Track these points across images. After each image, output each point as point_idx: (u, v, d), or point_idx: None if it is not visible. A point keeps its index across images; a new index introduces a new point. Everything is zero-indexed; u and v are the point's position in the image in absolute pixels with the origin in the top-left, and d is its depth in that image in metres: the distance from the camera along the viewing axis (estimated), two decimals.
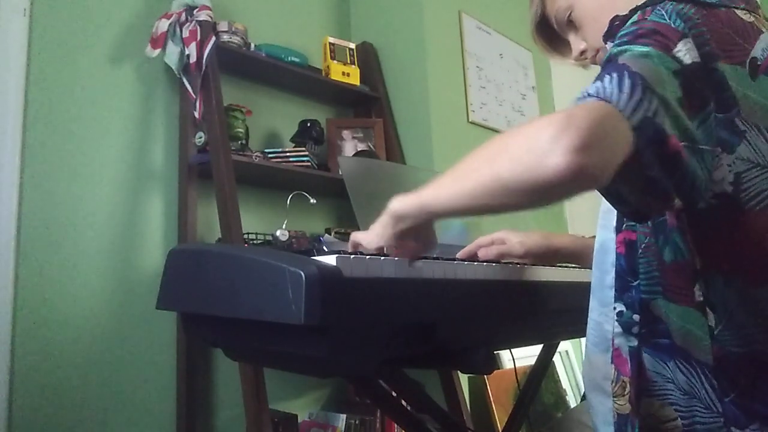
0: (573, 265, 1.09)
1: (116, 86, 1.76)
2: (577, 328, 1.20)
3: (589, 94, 0.57)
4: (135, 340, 1.67)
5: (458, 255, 1.03)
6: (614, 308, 0.71)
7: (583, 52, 0.90)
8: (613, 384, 0.70)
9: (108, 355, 1.62)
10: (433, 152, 2.18)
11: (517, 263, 0.98)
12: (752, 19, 0.69)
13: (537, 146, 0.53)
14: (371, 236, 0.75)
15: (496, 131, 2.47)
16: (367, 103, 2.35)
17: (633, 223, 0.70)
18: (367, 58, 2.35)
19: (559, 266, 1.05)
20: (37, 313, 1.51)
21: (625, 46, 0.62)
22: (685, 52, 0.61)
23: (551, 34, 0.95)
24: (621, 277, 0.71)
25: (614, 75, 0.57)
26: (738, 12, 0.69)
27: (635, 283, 0.69)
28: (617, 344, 0.71)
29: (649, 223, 0.69)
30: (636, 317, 0.69)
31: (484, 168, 0.60)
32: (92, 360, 1.58)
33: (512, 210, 0.62)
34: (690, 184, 0.59)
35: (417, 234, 0.74)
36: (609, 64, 0.60)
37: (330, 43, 2.19)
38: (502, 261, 0.99)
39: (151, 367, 1.69)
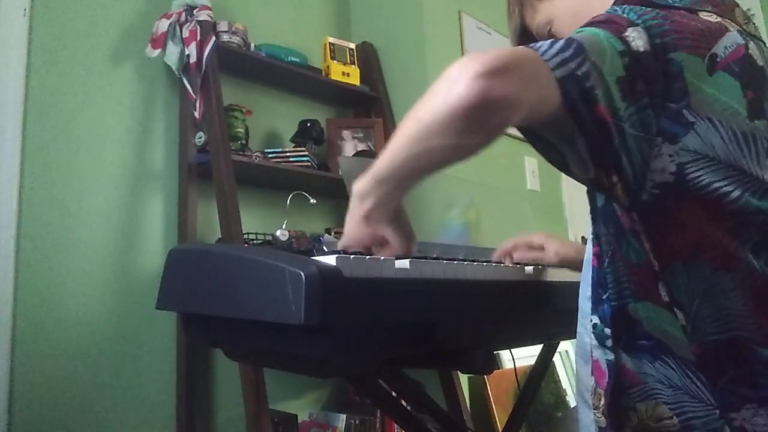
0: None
1: (116, 86, 1.76)
2: (576, 328, 1.19)
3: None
4: (135, 340, 1.67)
5: (496, 254, 1.04)
6: (591, 320, 0.71)
7: None
8: (592, 395, 0.71)
9: (108, 355, 1.62)
10: None
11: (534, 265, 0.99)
12: (718, 19, 0.70)
13: (447, 80, 0.56)
14: (347, 229, 0.75)
15: None
16: (367, 103, 2.35)
17: (597, 235, 0.71)
18: (367, 58, 2.35)
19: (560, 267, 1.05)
20: (37, 313, 1.51)
21: (578, 31, 0.64)
22: (634, 38, 0.62)
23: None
24: (595, 289, 0.71)
25: (549, 41, 0.60)
26: (702, 14, 0.69)
27: (605, 296, 0.69)
28: (596, 357, 0.71)
29: (610, 230, 0.69)
30: (608, 331, 0.68)
31: (409, 119, 0.62)
32: (92, 360, 1.58)
33: (451, 157, 0.62)
34: (623, 166, 0.60)
35: (387, 214, 0.73)
36: None
37: (330, 43, 2.19)
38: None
39: (151, 367, 1.69)
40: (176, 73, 1.79)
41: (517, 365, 1.44)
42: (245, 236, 1.70)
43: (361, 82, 2.25)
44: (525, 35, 0.94)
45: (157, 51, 1.76)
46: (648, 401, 0.67)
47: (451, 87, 0.54)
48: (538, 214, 2.52)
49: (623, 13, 0.66)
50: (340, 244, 0.77)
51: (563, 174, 0.67)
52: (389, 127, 2.27)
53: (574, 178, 0.66)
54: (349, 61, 2.22)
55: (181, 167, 1.82)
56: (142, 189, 1.77)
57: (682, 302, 0.63)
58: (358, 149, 2.18)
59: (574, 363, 2.65)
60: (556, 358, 2.46)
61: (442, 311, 0.74)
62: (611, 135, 0.58)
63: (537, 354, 1.55)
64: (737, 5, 0.75)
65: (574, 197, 2.77)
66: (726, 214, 0.62)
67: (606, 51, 0.59)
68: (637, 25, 0.63)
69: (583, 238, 2.16)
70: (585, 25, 0.65)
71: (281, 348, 0.65)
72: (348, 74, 2.20)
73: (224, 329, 0.73)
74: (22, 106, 1.55)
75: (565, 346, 2.61)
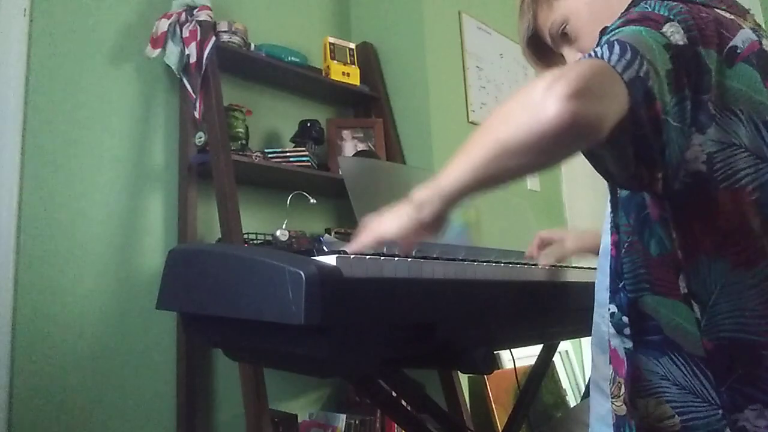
0: (574, 265, 1.09)
1: (116, 86, 1.76)
2: (577, 328, 1.19)
3: (581, 59, 0.59)
4: (135, 340, 1.67)
5: (528, 253, 1.08)
6: (608, 309, 0.71)
7: None
8: (611, 385, 0.71)
9: (108, 355, 1.62)
10: (433, 152, 2.18)
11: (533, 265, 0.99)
12: (732, 17, 0.71)
13: (531, 102, 0.54)
14: (392, 226, 0.73)
15: None
16: (367, 103, 2.35)
17: (616, 225, 0.71)
18: (367, 58, 2.35)
19: (561, 266, 1.05)
20: (37, 313, 1.51)
21: (614, 31, 0.64)
22: (672, 33, 0.63)
23: (543, 48, 0.94)
24: (613, 278, 0.71)
25: (604, 46, 0.59)
26: (718, 11, 0.71)
27: (621, 285, 0.70)
28: (613, 345, 0.71)
29: (631, 221, 0.69)
30: (625, 319, 0.69)
31: (485, 137, 0.61)
32: (92, 360, 1.58)
33: (523, 174, 0.63)
34: (667, 158, 0.60)
35: (438, 222, 0.73)
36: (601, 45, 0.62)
37: (330, 43, 2.19)
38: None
39: (151, 367, 1.69)
40: (176, 73, 1.79)
41: (517, 365, 1.44)
42: (245, 236, 1.70)
43: (361, 82, 2.25)
44: (535, 37, 0.94)
45: (157, 51, 1.76)
46: (650, 398, 0.67)
47: (539, 109, 0.53)
48: (538, 214, 2.52)
49: (655, 9, 0.66)
50: (373, 238, 0.75)
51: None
52: (389, 126, 2.27)
53: (611, 180, 0.65)
54: (349, 61, 2.22)
55: (181, 167, 1.82)
56: (142, 189, 1.77)
57: (699, 295, 0.64)
58: (358, 149, 2.18)
59: (577, 367, 2.64)
60: (556, 358, 2.46)
61: (442, 311, 0.74)
62: (662, 131, 0.59)
63: (537, 354, 1.55)
64: (749, 12, 0.76)
65: (574, 197, 2.78)
66: (754, 206, 0.62)
67: (653, 47, 0.60)
68: (672, 20, 0.64)
69: None
70: (620, 25, 0.64)
71: (281, 348, 0.65)
72: (348, 74, 2.20)
73: (224, 329, 0.73)
74: (22, 106, 1.55)
75: (565, 346, 2.61)
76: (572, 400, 2.44)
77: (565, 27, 0.87)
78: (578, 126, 0.52)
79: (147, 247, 1.75)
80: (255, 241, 1.77)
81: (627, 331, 0.69)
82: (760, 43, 0.70)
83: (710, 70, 0.63)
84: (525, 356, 1.99)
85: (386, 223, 0.74)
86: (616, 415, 0.70)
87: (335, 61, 2.18)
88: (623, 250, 0.70)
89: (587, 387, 1.70)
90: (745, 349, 0.62)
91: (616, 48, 0.58)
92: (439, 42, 2.33)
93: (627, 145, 0.59)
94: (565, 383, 2.48)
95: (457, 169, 0.64)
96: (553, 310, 0.97)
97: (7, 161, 1.51)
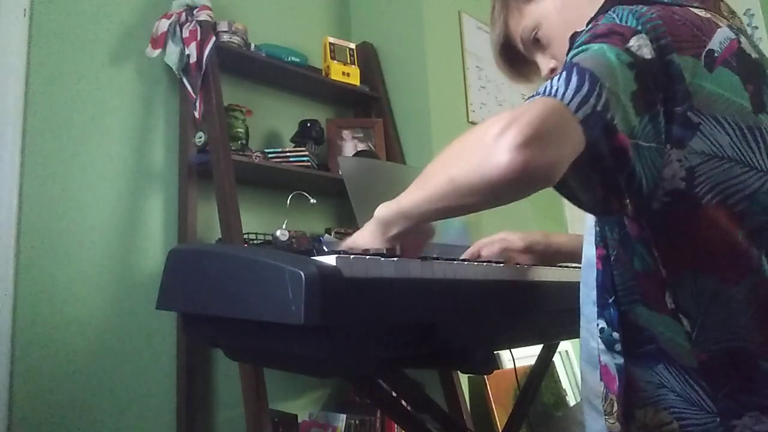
0: (574, 265, 1.09)
1: (116, 86, 1.76)
2: (577, 328, 1.19)
3: (537, 93, 0.58)
4: (135, 340, 1.67)
5: (462, 257, 1.03)
6: (597, 325, 0.70)
7: (553, 70, 0.88)
8: (603, 402, 0.70)
9: (108, 355, 1.62)
10: (433, 152, 2.17)
11: (518, 264, 0.99)
12: (708, 15, 0.69)
13: (482, 146, 0.54)
14: (361, 241, 0.76)
15: None
16: (367, 103, 2.35)
17: (603, 238, 0.70)
18: (367, 58, 2.35)
19: (560, 266, 1.05)
20: (37, 313, 1.51)
21: (580, 47, 0.62)
22: (639, 47, 0.61)
23: (515, 57, 0.94)
24: (601, 293, 0.70)
25: (563, 74, 0.58)
26: (693, 9, 0.68)
27: (611, 300, 0.69)
28: (604, 361, 0.70)
29: (615, 235, 0.68)
30: (616, 335, 0.68)
31: (440, 172, 0.62)
32: (92, 360, 1.58)
33: (474, 210, 0.63)
34: (638, 184, 0.59)
35: (412, 234, 0.75)
36: (564, 67, 0.60)
37: (330, 43, 2.19)
38: (505, 260, 1.00)
39: (151, 367, 1.69)
40: (176, 73, 1.79)
41: (517, 365, 1.44)
42: (245, 236, 1.70)
43: (361, 82, 2.25)
44: (507, 45, 0.93)
45: (157, 51, 1.76)
46: (648, 408, 0.67)
47: (489, 157, 0.53)
48: (538, 214, 2.52)
49: (622, 20, 0.64)
50: (349, 244, 0.78)
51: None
52: (389, 126, 2.27)
53: (579, 206, 0.63)
54: (349, 61, 2.22)
55: (181, 167, 1.82)
56: (142, 189, 1.77)
57: (688, 310, 0.62)
58: (358, 149, 2.19)
59: (577, 367, 2.64)
60: (556, 358, 2.46)
61: (442, 311, 0.74)
62: (628, 160, 0.57)
63: (537, 354, 1.55)
64: (722, 1, 0.74)
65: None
66: (738, 217, 0.61)
67: (616, 69, 0.58)
68: (640, 31, 0.62)
69: None
70: (586, 41, 0.63)
71: (281, 348, 0.65)
72: (348, 74, 2.20)
73: (224, 329, 0.73)
74: (22, 106, 1.55)
75: (565, 346, 2.61)
76: (572, 400, 2.44)
77: (536, 33, 0.86)
78: (529, 174, 0.52)
79: (147, 247, 1.75)
80: (255, 241, 1.78)
81: (618, 347, 0.68)
82: (739, 42, 0.67)
83: (683, 79, 0.61)
84: (525, 356, 1.99)
85: (359, 244, 0.76)
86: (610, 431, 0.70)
87: (335, 61, 2.18)
88: (612, 263, 0.69)
89: None
90: (740, 357, 0.61)
91: (574, 80, 0.56)
92: (439, 42, 2.33)
93: (590, 175, 0.58)
94: (565, 383, 2.48)
95: (414, 196, 0.67)
96: (553, 309, 0.97)
97: (7, 161, 1.51)
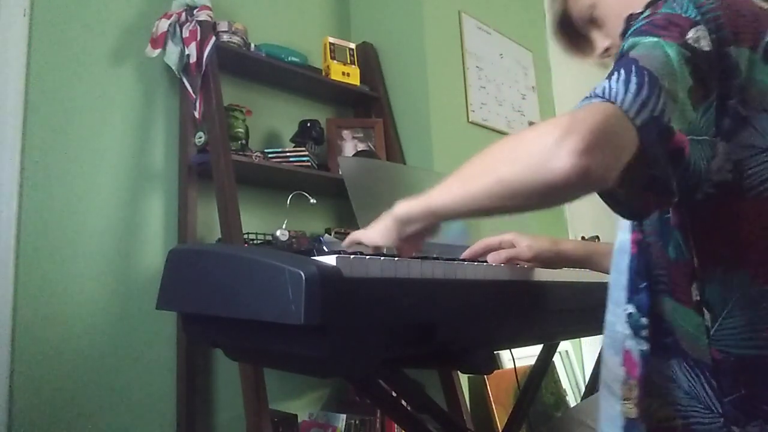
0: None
1: (116, 86, 1.76)
2: (577, 328, 1.19)
3: (595, 94, 0.57)
4: (135, 340, 1.67)
5: (464, 255, 1.03)
6: (625, 310, 0.70)
7: (607, 49, 0.89)
8: (622, 386, 0.70)
9: (108, 355, 1.62)
10: (433, 152, 2.18)
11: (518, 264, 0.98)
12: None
13: (542, 149, 0.54)
14: (374, 235, 0.75)
15: (496, 131, 2.47)
16: (367, 103, 2.35)
17: (641, 222, 0.70)
18: (367, 58, 2.35)
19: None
20: (37, 313, 1.51)
21: (637, 38, 0.62)
22: (697, 39, 0.60)
23: (573, 32, 0.94)
24: (633, 278, 0.70)
25: (622, 72, 0.57)
26: (754, 0, 0.68)
27: (643, 285, 0.69)
28: (628, 347, 0.70)
29: (654, 221, 0.68)
30: (644, 320, 0.68)
31: (490, 172, 0.61)
32: (92, 360, 1.58)
33: (518, 212, 0.63)
34: (690, 177, 0.59)
35: (425, 233, 0.76)
36: (619, 60, 0.60)
37: (330, 43, 2.19)
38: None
39: (151, 367, 1.69)
40: (176, 73, 1.79)
41: (517, 365, 1.44)
42: (245, 236, 1.70)
43: (361, 82, 2.25)
44: (564, 21, 0.93)
45: (157, 51, 1.76)
46: (655, 399, 0.67)
47: (549, 162, 0.53)
48: (538, 214, 2.52)
49: (682, 9, 0.63)
50: (354, 238, 0.78)
51: None
52: (389, 126, 2.27)
53: (620, 212, 0.62)
54: (349, 61, 2.22)
55: (181, 167, 1.82)
56: (142, 189, 1.77)
57: (713, 304, 0.63)
58: (358, 149, 2.19)
59: (574, 362, 2.63)
60: (556, 358, 2.46)
61: (442, 311, 0.74)
62: (684, 157, 0.57)
63: (537, 354, 1.55)
64: None
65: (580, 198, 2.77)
66: None
67: (675, 67, 0.58)
68: (698, 22, 0.61)
69: (582, 238, 2.16)
70: (644, 30, 0.62)
71: (281, 348, 0.65)
72: (348, 74, 2.20)
73: (224, 329, 0.73)
74: (22, 106, 1.55)
75: (565, 346, 2.61)
76: (572, 400, 2.44)
77: (593, 11, 0.87)
78: (588, 180, 0.53)
79: (147, 247, 1.75)
80: (255, 241, 1.77)
81: (644, 333, 0.68)
82: None
83: (740, 72, 0.61)
84: (525, 356, 1.99)
85: (370, 237, 0.75)
86: (626, 417, 0.69)
87: (335, 61, 2.18)
88: (647, 249, 0.69)
89: (587, 387, 1.70)
90: (754, 366, 0.61)
91: (633, 82, 0.56)
92: (439, 42, 2.33)
93: (641, 180, 0.58)
94: (565, 383, 2.48)
95: (455, 195, 0.66)
96: (553, 310, 0.97)
97: (7, 161, 1.51)
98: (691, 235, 0.64)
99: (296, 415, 1.79)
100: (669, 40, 0.60)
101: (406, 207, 0.73)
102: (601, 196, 0.61)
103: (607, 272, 0.77)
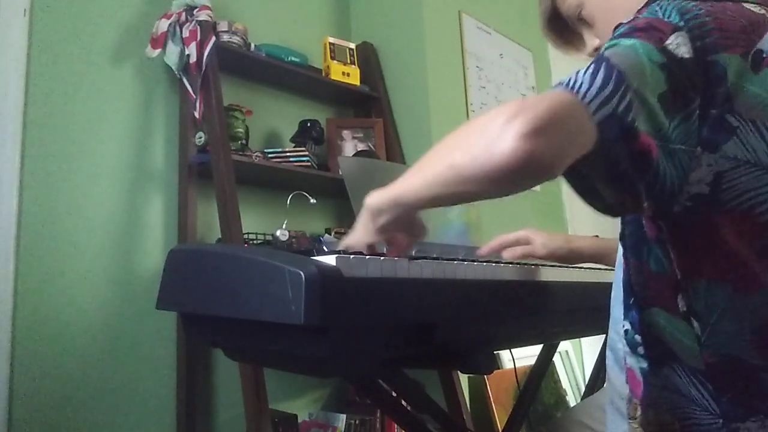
0: (575, 266, 1.09)
1: (116, 86, 1.76)
2: (577, 328, 1.19)
3: (560, 83, 0.57)
4: (135, 340, 1.67)
5: (481, 251, 1.03)
6: (623, 326, 0.70)
7: (597, 49, 0.88)
8: (628, 405, 0.69)
9: (108, 355, 1.62)
10: None
11: (534, 265, 0.99)
12: (763, 11, 0.66)
13: (488, 133, 0.53)
14: (356, 235, 0.75)
15: None
16: (367, 103, 2.35)
17: (622, 235, 0.69)
18: (367, 58, 2.35)
19: (561, 266, 1.05)
20: (37, 313, 1.51)
21: (617, 39, 0.61)
22: (677, 45, 0.59)
23: (563, 27, 0.93)
24: (626, 293, 0.69)
25: (591, 66, 0.57)
26: (747, 5, 0.66)
27: (632, 301, 0.68)
28: (629, 364, 0.69)
29: (632, 234, 0.67)
30: (638, 338, 0.67)
31: (443, 158, 0.61)
32: (92, 360, 1.58)
33: (474, 199, 0.62)
34: (660, 185, 0.57)
35: (402, 225, 0.75)
36: (594, 59, 0.59)
37: (330, 43, 2.19)
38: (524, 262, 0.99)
39: (151, 366, 1.69)
40: (176, 73, 1.79)
41: (517, 365, 1.44)
42: (245, 236, 1.70)
43: (361, 82, 2.25)
44: (554, 17, 0.93)
45: (157, 51, 1.76)
46: (649, 410, 0.66)
47: (493, 144, 0.52)
48: (538, 214, 2.52)
49: (665, 14, 0.61)
50: (344, 244, 0.78)
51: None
52: (389, 126, 2.27)
53: (598, 209, 0.61)
54: (349, 61, 2.22)
55: (181, 167, 1.82)
56: (142, 189, 1.77)
57: (700, 314, 0.62)
58: (358, 149, 2.19)
59: (574, 362, 2.62)
60: (556, 358, 2.46)
61: (442, 311, 0.74)
62: (651, 161, 0.56)
63: (537, 354, 1.55)
64: None
65: (575, 197, 2.77)
66: (756, 231, 0.59)
67: (646, 69, 0.56)
68: (681, 28, 0.60)
69: None
70: (626, 33, 0.61)
71: (281, 348, 0.65)
72: (348, 74, 2.20)
73: (224, 329, 0.73)
74: (22, 106, 1.55)
75: (565, 346, 2.61)
76: (572, 400, 2.44)
77: (581, 11, 0.86)
78: (531, 165, 0.51)
79: (147, 247, 1.75)
80: (255, 241, 1.78)
81: (641, 350, 0.67)
82: None
83: (726, 80, 0.59)
84: (525, 356, 1.99)
85: (354, 237, 0.75)
86: None
87: (335, 61, 2.18)
88: (629, 263, 0.68)
89: (587, 387, 1.70)
90: (746, 369, 0.61)
91: (600, 77, 0.55)
92: (439, 42, 2.33)
93: (606, 177, 0.57)
94: (565, 383, 2.48)
95: (414, 183, 0.65)
96: (553, 310, 0.97)
97: (7, 161, 1.51)
98: (672, 248, 0.63)
99: (296, 415, 1.79)
100: (646, 42, 0.58)
101: (376, 197, 0.72)
102: (578, 193, 0.60)
103: None
